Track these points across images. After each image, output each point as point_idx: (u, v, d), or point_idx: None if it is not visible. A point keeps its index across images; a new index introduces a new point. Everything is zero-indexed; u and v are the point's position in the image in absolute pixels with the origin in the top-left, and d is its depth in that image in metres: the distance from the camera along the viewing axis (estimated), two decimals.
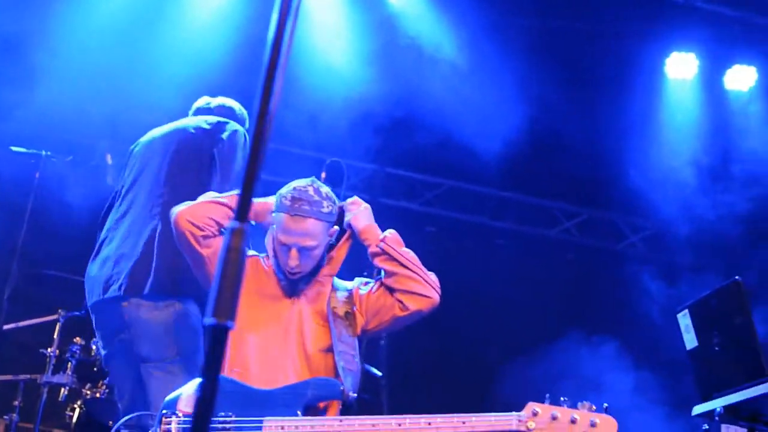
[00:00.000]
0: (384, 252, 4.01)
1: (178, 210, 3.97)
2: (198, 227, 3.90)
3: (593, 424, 3.56)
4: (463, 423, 3.59)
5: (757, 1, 7.88)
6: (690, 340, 4.00)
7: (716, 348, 3.80)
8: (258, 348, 3.89)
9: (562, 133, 8.75)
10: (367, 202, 4.19)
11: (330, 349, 3.91)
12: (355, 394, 3.88)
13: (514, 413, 3.60)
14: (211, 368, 1.65)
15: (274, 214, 3.99)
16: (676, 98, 8.83)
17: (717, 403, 3.72)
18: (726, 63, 8.71)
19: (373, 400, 6.75)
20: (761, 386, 3.40)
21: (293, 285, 3.98)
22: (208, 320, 1.67)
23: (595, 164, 9.18)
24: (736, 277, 3.58)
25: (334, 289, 4.10)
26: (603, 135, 8.88)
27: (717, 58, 8.65)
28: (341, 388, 3.76)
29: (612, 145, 8.99)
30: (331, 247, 4.11)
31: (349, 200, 4.16)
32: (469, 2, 8.02)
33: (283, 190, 3.99)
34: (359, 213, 4.10)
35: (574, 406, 3.61)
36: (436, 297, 4.01)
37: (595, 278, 9.78)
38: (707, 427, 3.98)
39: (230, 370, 3.85)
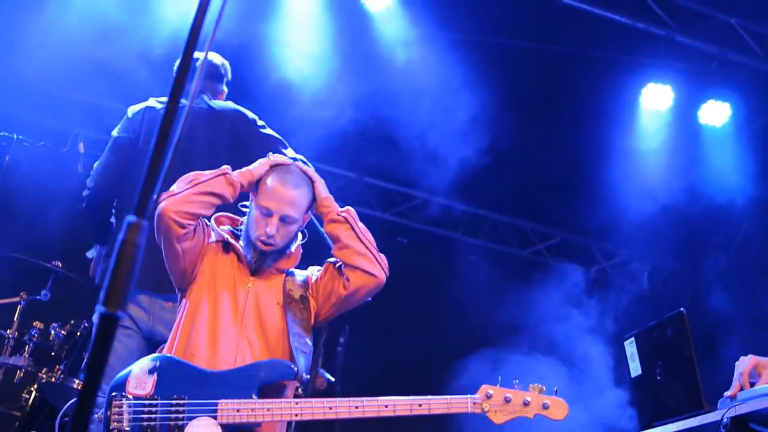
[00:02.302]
0: (346, 221, 4.06)
1: (163, 204, 3.89)
2: (181, 225, 3.88)
3: (545, 407, 3.72)
4: (420, 405, 3.69)
5: (735, 39, 7.97)
6: (635, 368, 4.06)
7: (658, 377, 3.86)
8: (214, 332, 3.91)
9: (537, 156, 8.82)
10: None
11: (285, 332, 3.94)
12: (308, 375, 3.90)
13: (468, 395, 3.73)
14: (96, 356, 1.67)
15: (263, 182, 4.05)
16: (649, 129, 8.90)
17: None
18: (701, 98, 8.80)
19: None
20: (697, 418, 3.46)
21: (259, 262, 4.02)
22: (99, 308, 1.69)
23: (569, 187, 9.27)
24: (681, 309, 3.64)
25: (291, 274, 4.15)
26: (577, 159, 8.95)
27: (692, 92, 8.72)
28: (295, 369, 3.78)
29: (585, 170, 9.06)
30: (303, 232, 4.18)
31: (309, 169, 4.21)
32: (452, 22, 8.06)
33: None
34: (320, 183, 4.14)
35: (525, 389, 3.76)
36: (382, 277, 4.05)
37: (560, 299, 9.84)
38: None
39: (185, 353, 3.87)
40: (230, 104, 5.31)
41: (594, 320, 9.00)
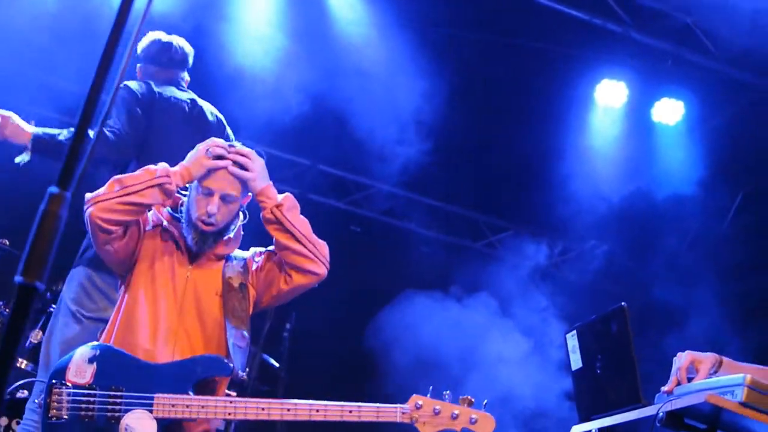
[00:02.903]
0: (277, 221, 4.03)
1: (90, 210, 3.85)
2: (107, 231, 3.86)
3: (473, 421, 3.78)
4: (350, 412, 3.75)
5: (691, 38, 8.02)
6: (575, 361, 4.07)
7: (598, 371, 3.88)
8: (153, 321, 3.90)
9: (492, 149, 8.83)
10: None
11: (223, 325, 3.94)
12: (244, 373, 3.93)
13: (398, 405, 3.79)
14: (13, 327, 1.63)
15: (204, 161, 4.01)
16: (603, 125, 8.94)
17: (593, 425, 3.79)
18: (655, 95, 8.85)
19: (271, 391, 6.75)
20: (634, 412, 3.47)
21: (199, 243, 4.01)
22: (17, 278, 1.66)
23: (522, 181, 9.30)
24: (622, 303, 3.65)
25: (231, 260, 4.13)
26: (531, 152, 8.97)
27: (647, 89, 8.77)
28: (231, 365, 3.81)
29: (538, 164, 9.10)
30: (243, 215, 4.17)
31: (245, 150, 4.13)
32: (407, 11, 8.03)
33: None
34: (258, 173, 4.08)
35: (455, 400, 3.81)
36: (323, 273, 4.06)
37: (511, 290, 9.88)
38: None
39: (124, 342, 3.85)
40: (215, 111, 5.33)
41: (544, 313, 9.05)
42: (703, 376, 3.61)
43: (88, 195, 3.90)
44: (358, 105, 8.41)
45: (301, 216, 4.11)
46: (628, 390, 3.61)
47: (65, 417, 3.64)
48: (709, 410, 3.11)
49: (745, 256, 9.29)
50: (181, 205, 4.13)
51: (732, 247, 9.41)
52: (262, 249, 4.21)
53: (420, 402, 3.78)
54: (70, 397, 3.66)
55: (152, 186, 3.89)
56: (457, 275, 9.63)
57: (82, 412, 3.65)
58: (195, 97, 5.29)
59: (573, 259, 10.63)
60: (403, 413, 3.77)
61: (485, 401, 3.83)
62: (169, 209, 4.16)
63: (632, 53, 8.18)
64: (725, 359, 3.80)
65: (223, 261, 4.10)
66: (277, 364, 6.74)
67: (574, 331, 4.08)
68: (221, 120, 5.33)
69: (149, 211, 4.03)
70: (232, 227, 4.12)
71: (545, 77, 8.39)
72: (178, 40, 5.38)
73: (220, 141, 4.15)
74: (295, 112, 8.33)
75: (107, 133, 4.68)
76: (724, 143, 8.75)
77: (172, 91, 5.17)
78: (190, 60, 5.45)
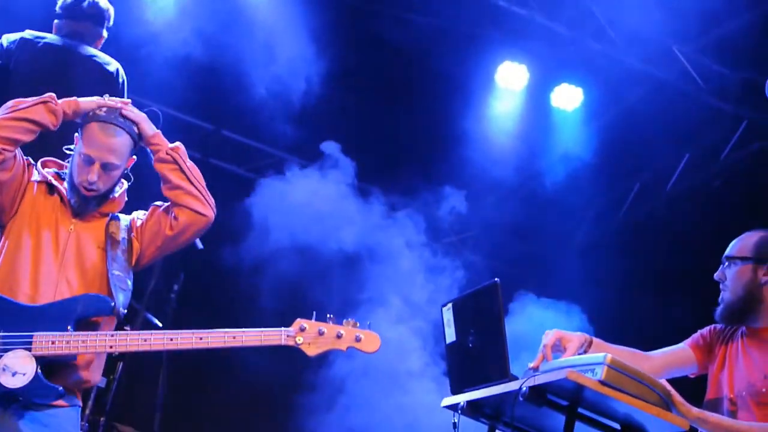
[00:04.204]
0: (174, 161, 4.10)
1: None
2: None
3: (358, 339, 3.92)
4: (234, 338, 3.81)
5: (594, 26, 8.09)
6: (450, 335, 4.08)
7: (470, 345, 3.90)
8: (35, 270, 3.88)
9: (388, 127, 8.78)
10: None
11: (105, 275, 3.94)
12: (125, 310, 3.93)
13: (282, 328, 3.87)
14: None
15: (81, 128, 4.04)
16: (503, 107, 8.98)
17: (462, 398, 3.82)
18: (555, 80, 8.94)
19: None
20: (500, 386, 3.50)
21: (82, 205, 4.02)
22: None
23: (419, 162, 9.28)
24: (495, 279, 3.67)
25: (115, 218, 4.14)
26: (428, 132, 8.96)
27: (547, 73, 8.84)
28: (112, 304, 3.81)
29: (434, 144, 9.10)
30: (126, 176, 4.20)
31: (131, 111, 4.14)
32: None
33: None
34: (143, 120, 4.14)
35: (339, 323, 3.91)
36: (211, 216, 4.14)
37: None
38: (456, 420, 4.07)
39: (4, 288, 3.82)
40: (115, 64, 5.34)
41: (437, 294, 9.05)
42: (570, 354, 3.68)
43: None
44: (260, 74, 8.31)
45: (192, 162, 4.21)
46: (497, 365, 3.64)
47: None
48: (572, 387, 3.15)
49: (639, 244, 9.51)
50: (67, 168, 4.13)
51: (628, 235, 9.63)
52: (146, 212, 4.25)
53: (304, 324, 3.86)
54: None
55: (38, 103, 3.94)
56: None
57: None
58: (96, 52, 5.29)
59: (466, 240, 10.68)
60: (288, 336, 3.84)
61: (369, 322, 3.96)
62: (56, 170, 4.16)
63: (535, 36, 8.21)
64: (595, 340, 3.88)
65: (107, 218, 4.12)
66: (160, 324, 6.67)
67: (450, 305, 4.10)
68: (116, 77, 5.29)
69: (40, 129, 3.96)
70: (117, 189, 4.16)
71: (446, 56, 8.37)
72: None
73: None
74: (197, 77, 8.21)
75: None
76: (622, 132, 8.88)
77: (53, 39, 5.19)
78: (108, 16, 5.49)
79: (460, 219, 10.26)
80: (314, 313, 3.90)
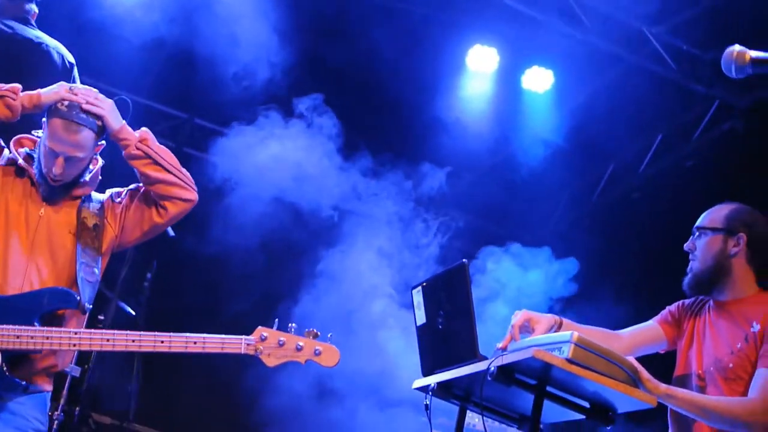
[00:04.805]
0: (146, 155, 4.04)
1: None
2: None
3: (317, 353, 3.92)
4: (195, 343, 3.82)
5: (564, 9, 8.08)
6: (420, 317, 4.08)
7: (440, 326, 3.90)
8: (3, 256, 3.84)
9: (357, 108, 8.72)
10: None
11: (74, 261, 3.92)
12: (91, 305, 3.91)
13: (243, 337, 3.87)
14: None
15: (46, 119, 3.96)
16: (474, 90, 8.97)
17: (432, 379, 3.82)
18: (526, 63, 8.93)
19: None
20: (469, 367, 3.51)
21: (51, 192, 3.97)
22: None
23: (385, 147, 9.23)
24: (463, 260, 3.68)
25: (88, 201, 4.09)
26: (399, 115, 8.94)
27: (518, 56, 8.84)
28: (77, 298, 3.79)
29: (407, 127, 9.07)
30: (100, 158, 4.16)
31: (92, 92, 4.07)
32: None
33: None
34: (110, 113, 4.05)
35: (300, 333, 3.91)
36: (195, 197, 4.13)
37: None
38: (428, 402, 4.07)
39: None
40: (65, 54, 5.21)
41: (405, 276, 9.03)
42: (539, 333, 3.69)
43: None
44: (234, 58, 8.24)
45: (161, 146, 4.15)
46: (466, 345, 3.64)
47: None
48: (539, 366, 3.15)
49: (614, 225, 9.54)
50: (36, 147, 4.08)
51: (603, 216, 9.66)
52: (120, 189, 4.21)
53: (265, 333, 3.86)
54: None
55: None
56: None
57: None
58: (41, 35, 5.17)
59: (439, 225, 10.68)
60: (248, 345, 3.84)
61: (330, 334, 3.94)
62: (28, 149, 4.09)
63: (505, 19, 8.19)
64: (565, 320, 3.88)
65: (79, 201, 4.08)
66: (133, 312, 6.63)
67: (420, 287, 4.10)
68: (67, 61, 5.21)
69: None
70: (87, 173, 4.09)
71: (415, 39, 8.33)
72: None
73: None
74: (169, 65, 8.15)
75: None
76: (594, 114, 8.89)
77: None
78: None
79: (434, 200, 10.26)
80: (276, 320, 3.91)
